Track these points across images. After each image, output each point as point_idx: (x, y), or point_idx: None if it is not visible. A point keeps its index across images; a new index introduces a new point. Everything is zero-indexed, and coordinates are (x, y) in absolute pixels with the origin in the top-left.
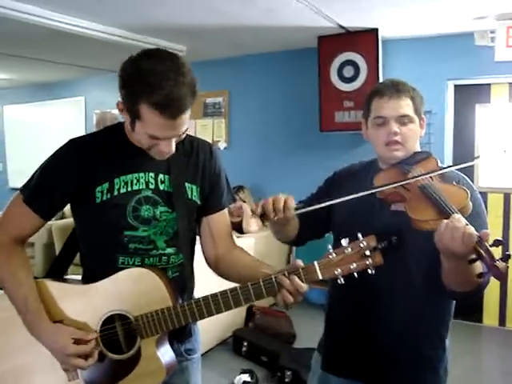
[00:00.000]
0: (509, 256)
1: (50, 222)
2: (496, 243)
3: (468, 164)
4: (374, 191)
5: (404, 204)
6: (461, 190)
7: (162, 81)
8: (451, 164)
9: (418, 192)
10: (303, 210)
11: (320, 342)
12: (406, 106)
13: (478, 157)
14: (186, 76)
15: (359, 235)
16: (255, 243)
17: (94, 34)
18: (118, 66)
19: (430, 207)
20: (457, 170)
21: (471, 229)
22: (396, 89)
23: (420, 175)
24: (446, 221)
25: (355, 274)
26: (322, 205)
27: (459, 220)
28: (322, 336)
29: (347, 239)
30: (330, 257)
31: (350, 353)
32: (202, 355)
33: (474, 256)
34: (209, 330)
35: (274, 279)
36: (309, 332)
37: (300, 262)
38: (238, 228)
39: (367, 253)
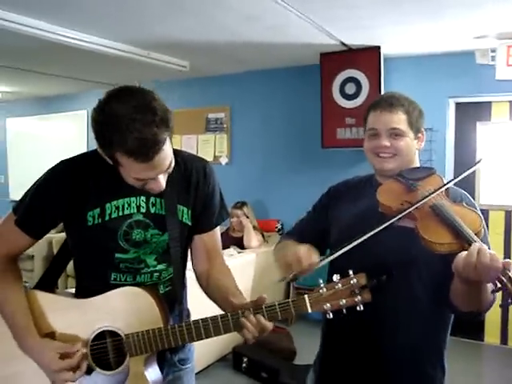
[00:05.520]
0: None
1: (50, 235)
2: None
3: (472, 169)
4: (394, 220)
5: (414, 222)
6: (474, 213)
7: (129, 125)
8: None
9: (429, 211)
10: (328, 260)
11: (315, 361)
12: (397, 120)
13: (480, 160)
14: (155, 111)
15: (350, 272)
16: (256, 258)
17: (97, 49)
18: (122, 80)
19: (444, 229)
20: (463, 177)
21: (496, 259)
22: (389, 102)
23: (433, 192)
24: (467, 251)
25: (344, 310)
26: (343, 250)
27: (484, 252)
28: (317, 355)
29: (338, 275)
30: (321, 291)
31: (349, 371)
32: (202, 371)
33: (497, 286)
34: (208, 346)
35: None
36: (309, 348)
37: (265, 296)
38: (240, 243)
39: (357, 290)
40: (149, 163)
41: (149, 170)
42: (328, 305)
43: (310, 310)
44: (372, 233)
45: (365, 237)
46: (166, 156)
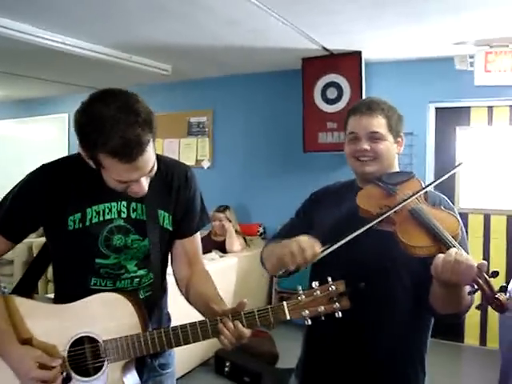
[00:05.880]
0: (506, 288)
1: (30, 240)
2: (493, 274)
3: (451, 173)
4: (374, 223)
5: (393, 226)
6: (452, 216)
7: (112, 126)
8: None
9: (408, 215)
10: (329, 250)
11: (297, 365)
12: (377, 124)
13: (461, 164)
14: (139, 113)
15: (329, 279)
16: (238, 262)
17: (79, 52)
18: (104, 84)
19: (423, 233)
20: (442, 181)
21: (472, 261)
22: (369, 107)
23: (411, 196)
24: (445, 254)
25: (322, 317)
26: (347, 239)
27: (460, 253)
28: (299, 359)
29: (317, 282)
30: (299, 298)
31: (331, 376)
32: (184, 376)
33: (474, 288)
34: (191, 350)
35: (219, 320)
36: (291, 352)
37: (245, 301)
38: (221, 247)
39: (335, 297)
40: (132, 164)
41: (132, 172)
42: (306, 311)
43: (288, 317)
44: (358, 232)
45: (356, 233)
46: (149, 158)
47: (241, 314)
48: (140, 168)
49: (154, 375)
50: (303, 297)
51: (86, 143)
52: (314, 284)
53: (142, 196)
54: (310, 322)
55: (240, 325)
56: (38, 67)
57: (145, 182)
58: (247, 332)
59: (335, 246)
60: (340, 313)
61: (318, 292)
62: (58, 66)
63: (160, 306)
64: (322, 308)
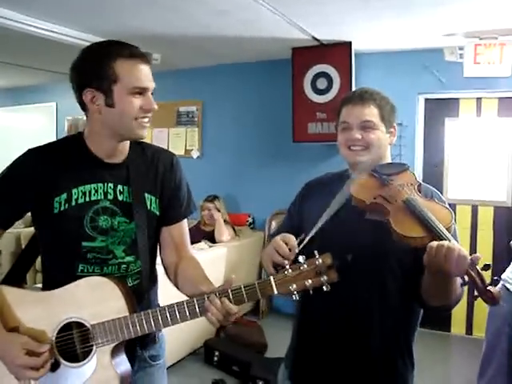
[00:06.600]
0: (497, 281)
1: (18, 230)
2: (485, 267)
3: None
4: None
5: (386, 216)
6: (445, 209)
7: (121, 43)
8: (422, 176)
9: (402, 206)
10: (305, 242)
11: (287, 355)
12: (369, 113)
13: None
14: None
15: (315, 252)
16: (227, 252)
17: (67, 40)
18: None
19: (417, 224)
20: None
21: (465, 252)
22: (361, 97)
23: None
24: (440, 242)
25: (310, 291)
26: (318, 226)
27: (454, 243)
28: (288, 348)
29: (303, 256)
30: (286, 272)
31: (321, 367)
32: (174, 365)
33: (466, 280)
34: (180, 339)
35: (206, 298)
36: (280, 342)
37: (233, 277)
38: (211, 237)
39: (322, 270)
40: (145, 65)
41: (147, 76)
42: (294, 286)
43: (276, 292)
44: (327, 216)
45: (325, 218)
46: (152, 76)
47: (228, 291)
48: (148, 75)
49: (145, 366)
50: (290, 271)
51: (100, 57)
52: (301, 258)
53: (128, 178)
54: (298, 298)
55: (227, 301)
56: (26, 55)
57: (152, 99)
58: (235, 308)
59: (309, 236)
60: (328, 286)
61: (305, 266)
62: (47, 55)
63: (149, 296)
64: (310, 281)
